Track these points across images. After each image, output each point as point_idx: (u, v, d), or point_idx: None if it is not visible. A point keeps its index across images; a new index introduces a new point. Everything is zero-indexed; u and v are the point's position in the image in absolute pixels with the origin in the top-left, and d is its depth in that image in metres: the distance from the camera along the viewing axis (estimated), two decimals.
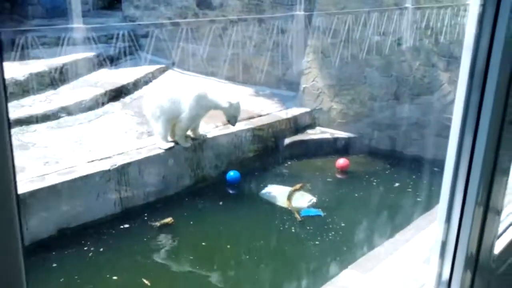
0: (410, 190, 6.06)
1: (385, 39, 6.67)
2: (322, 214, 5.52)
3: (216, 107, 5.73)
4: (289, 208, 5.63)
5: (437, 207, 3.74)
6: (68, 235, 5.00)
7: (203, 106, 5.69)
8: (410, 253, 3.09)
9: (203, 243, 5.07)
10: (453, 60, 6.34)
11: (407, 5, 6.53)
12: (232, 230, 5.40)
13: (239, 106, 5.79)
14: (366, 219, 5.46)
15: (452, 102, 6.36)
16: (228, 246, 5.00)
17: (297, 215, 5.46)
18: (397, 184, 6.22)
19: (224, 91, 5.99)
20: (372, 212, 5.69)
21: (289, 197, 5.84)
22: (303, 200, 5.82)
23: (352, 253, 4.72)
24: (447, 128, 6.13)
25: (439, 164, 6.38)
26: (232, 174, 6.25)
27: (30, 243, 4.81)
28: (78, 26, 5.80)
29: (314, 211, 5.59)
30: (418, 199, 5.84)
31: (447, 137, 6.28)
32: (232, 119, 5.80)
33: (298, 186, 6.09)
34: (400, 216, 5.37)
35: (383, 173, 6.57)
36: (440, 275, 1.70)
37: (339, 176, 6.55)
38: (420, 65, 6.56)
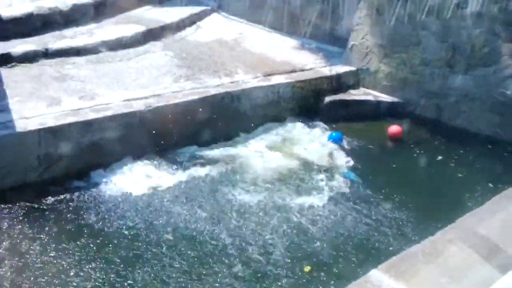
0: (453, 165, 5.73)
1: (447, 0, 6.17)
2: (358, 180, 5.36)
3: None
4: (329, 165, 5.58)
5: (492, 200, 3.29)
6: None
7: None
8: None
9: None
10: None
11: None
12: None
13: None
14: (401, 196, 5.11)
15: (510, 76, 5.92)
16: None
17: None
18: (440, 158, 5.90)
19: None
20: (408, 189, 5.27)
21: (330, 154, 5.78)
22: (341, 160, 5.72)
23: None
24: (500, 104, 5.70)
25: (486, 140, 6.08)
26: (334, 135, 6.14)
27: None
28: None
29: (353, 176, 5.44)
30: (461, 177, 5.52)
31: (498, 113, 5.87)
32: None
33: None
34: (443, 200, 5.01)
35: (426, 143, 6.22)
36: None
37: (387, 142, 6.29)
38: (481, 33, 6.06)
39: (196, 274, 3.90)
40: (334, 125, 6.43)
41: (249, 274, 3.94)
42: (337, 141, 6.10)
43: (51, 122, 4.82)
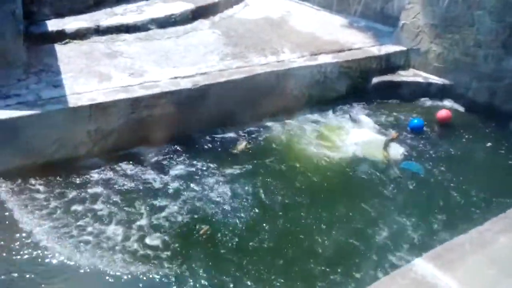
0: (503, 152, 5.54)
1: None
2: (422, 172, 5.12)
3: None
4: (385, 159, 5.30)
5: None
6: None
7: None
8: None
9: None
10: None
11: None
12: None
13: None
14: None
15: None
16: None
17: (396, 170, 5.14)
18: (489, 144, 5.70)
19: None
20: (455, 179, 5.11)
21: (385, 147, 5.47)
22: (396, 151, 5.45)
23: None
24: None
25: None
26: (415, 121, 5.90)
27: None
28: None
29: (416, 167, 5.19)
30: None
31: None
32: None
33: (395, 135, 5.70)
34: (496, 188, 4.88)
35: (476, 128, 6.01)
36: None
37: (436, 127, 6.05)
38: None
39: None
40: (382, 109, 6.31)
41: None
42: (418, 130, 5.80)
43: (101, 98, 4.97)
